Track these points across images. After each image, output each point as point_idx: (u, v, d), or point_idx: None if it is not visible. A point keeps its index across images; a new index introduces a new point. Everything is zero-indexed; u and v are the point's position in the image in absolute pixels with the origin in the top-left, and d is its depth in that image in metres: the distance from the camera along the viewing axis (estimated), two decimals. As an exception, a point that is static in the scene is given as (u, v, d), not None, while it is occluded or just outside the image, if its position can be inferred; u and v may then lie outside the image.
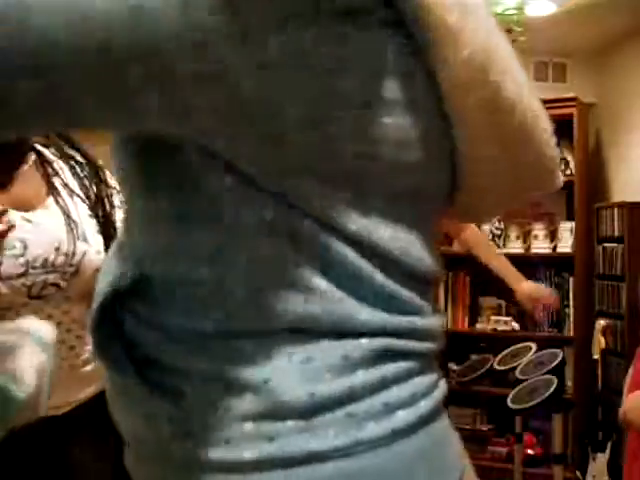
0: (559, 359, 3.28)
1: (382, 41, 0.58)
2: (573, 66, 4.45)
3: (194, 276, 0.59)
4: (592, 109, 4.47)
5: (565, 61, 4.44)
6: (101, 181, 1.85)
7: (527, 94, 0.72)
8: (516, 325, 4.36)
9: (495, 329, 4.38)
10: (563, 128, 4.21)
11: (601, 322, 3.79)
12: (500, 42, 0.70)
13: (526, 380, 3.21)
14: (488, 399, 4.26)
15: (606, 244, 3.91)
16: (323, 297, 0.58)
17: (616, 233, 3.83)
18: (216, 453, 0.58)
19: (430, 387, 0.65)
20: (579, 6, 3.62)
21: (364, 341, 0.60)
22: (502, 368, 3.48)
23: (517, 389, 3.18)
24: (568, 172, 4.24)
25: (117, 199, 1.89)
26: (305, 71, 0.53)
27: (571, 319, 4.21)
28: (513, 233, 4.45)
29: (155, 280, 0.61)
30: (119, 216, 1.84)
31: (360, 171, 0.59)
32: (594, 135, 4.51)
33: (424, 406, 0.63)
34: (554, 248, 4.31)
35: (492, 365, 3.55)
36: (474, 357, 4.07)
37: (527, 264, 4.40)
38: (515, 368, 3.36)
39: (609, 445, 3.53)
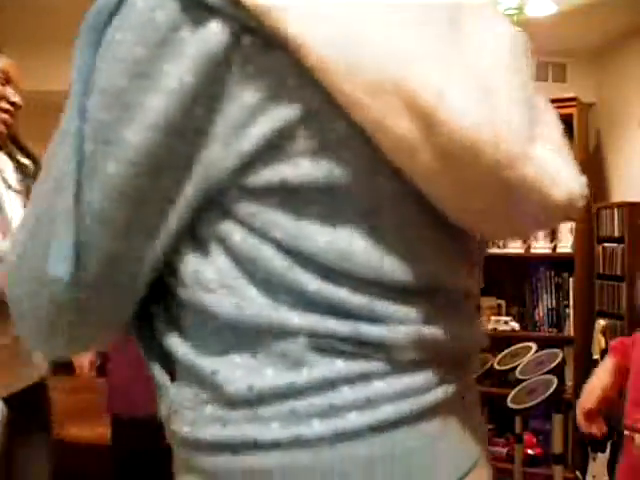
0: (559, 359, 3.28)
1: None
2: (573, 66, 4.46)
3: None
4: (592, 109, 4.47)
5: (565, 61, 4.44)
6: None
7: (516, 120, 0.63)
8: (516, 325, 4.36)
9: (495, 329, 4.38)
10: (563, 128, 4.21)
11: (601, 322, 3.79)
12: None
13: (526, 380, 3.21)
14: (488, 399, 4.25)
15: (606, 244, 3.91)
16: (254, 302, 0.64)
17: (616, 233, 3.83)
18: (185, 432, 0.66)
19: (402, 393, 0.64)
20: (579, 6, 3.62)
21: (302, 341, 0.63)
22: (502, 368, 3.47)
23: (517, 389, 3.18)
24: (568, 172, 4.24)
25: None
26: None
27: (571, 319, 4.21)
28: (513, 233, 4.45)
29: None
30: None
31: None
32: (594, 135, 4.51)
33: (386, 411, 0.63)
34: (554, 248, 4.31)
35: (492, 365, 3.55)
36: (474, 357, 4.07)
37: (527, 264, 4.41)
38: (515, 368, 3.36)
39: (609, 445, 3.53)
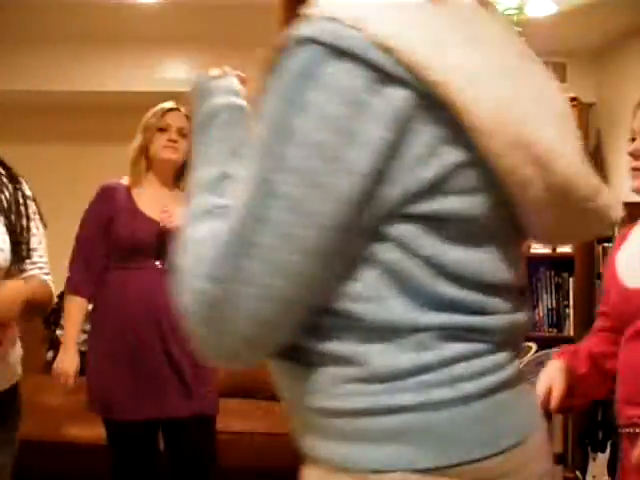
0: (559, 359, 3.28)
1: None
2: (573, 66, 4.46)
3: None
4: (592, 109, 4.47)
5: (565, 61, 4.44)
6: (16, 189, 2.04)
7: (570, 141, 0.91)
8: (516, 325, 4.36)
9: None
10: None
11: (601, 322, 3.78)
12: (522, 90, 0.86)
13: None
14: (488, 399, 4.26)
15: (606, 244, 3.91)
16: (398, 309, 0.82)
17: (616, 233, 3.83)
18: (331, 404, 0.84)
19: (498, 365, 0.87)
20: (579, 6, 3.62)
21: (432, 333, 0.83)
22: (502, 368, 3.47)
23: (517, 389, 3.18)
24: (568, 172, 4.24)
25: (31, 209, 2.07)
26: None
27: (571, 319, 4.21)
28: (513, 233, 4.45)
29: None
30: (34, 224, 2.03)
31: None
32: (594, 135, 4.51)
33: (488, 380, 0.85)
34: (554, 248, 4.31)
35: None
36: (474, 357, 4.07)
37: (527, 264, 4.40)
38: (515, 368, 3.35)
39: (609, 445, 3.53)
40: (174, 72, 4.40)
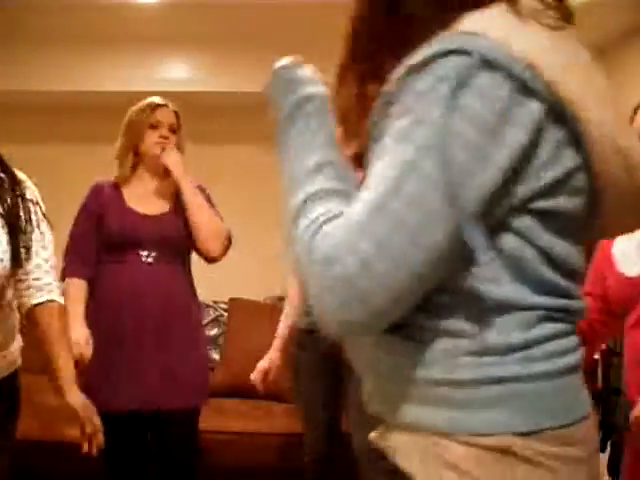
0: (559, 359, 3.28)
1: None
2: (573, 66, 4.46)
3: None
4: (592, 109, 4.47)
5: (565, 61, 4.44)
6: (14, 192, 2.05)
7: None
8: (516, 325, 4.36)
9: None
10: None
11: (601, 322, 3.78)
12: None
13: (526, 380, 3.20)
14: (488, 399, 4.25)
15: (606, 244, 3.91)
16: (511, 289, 0.96)
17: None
18: (447, 375, 0.96)
19: (576, 346, 1.02)
20: (579, 6, 3.62)
21: (536, 313, 0.97)
22: (502, 368, 3.47)
23: (517, 389, 3.17)
24: (568, 172, 4.24)
25: (34, 211, 2.06)
26: None
27: (571, 319, 4.21)
28: (513, 233, 4.45)
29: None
30: (38, 226, 2.04)
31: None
32: (594, 135, 4.51)
33: (572, 357, 1.01)
34: (554, 248, 4.31)
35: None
36: (474, 357, 4.07)
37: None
38: (515, 368, 3.35)
39: (609, 445, 3.53)
40: (174, 72, 4.41)
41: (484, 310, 0.95)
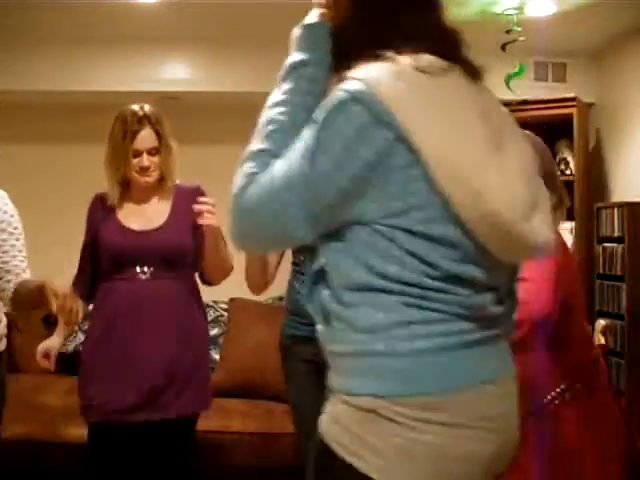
0: (559, 359, 3.28)
1: None
2: (573, 66, 4.46)
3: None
4: (592, 109, 4.47)
5: (565, 61, 4.44)
6: None
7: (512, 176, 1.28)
8: (516, 325, 4.36)
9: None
10: (563, 128, 4.21)
11: (601, 322, 3.79)
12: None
13: (526, 380, 3.20)
14: (488, 399, 4.25)
15: (606, 244, 3.91)
16: (380, 273, 1.25)
17: (616, 233, 3.83)
18: (339, 348, 1.29)
19: (448, 331, 1.24)
20: (579, 6, 3.62)
21: (403, 298, 1.23)
22: (502, 368, 3.47)
23: (517, 389, 3.18)
24: (568, 172, 4.23)
25: (10, 224, 2.38)
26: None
27: (571, 319, 4.20)
28: (513, 233, 4.44)
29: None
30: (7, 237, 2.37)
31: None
32: (594, 135, 4.51)
33: (437, 340, 1.23)
34: (554, 248, 4.30)
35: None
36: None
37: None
38: (515, 368, 3.35)
39: (609, 445, 3.52)
40: (174, 72, 4.40)
41: (356, 291, 1.25)
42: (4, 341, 2.45)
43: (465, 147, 1.23)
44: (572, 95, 4.17)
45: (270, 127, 1.31)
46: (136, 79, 4.30)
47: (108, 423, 2.54)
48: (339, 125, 1.22)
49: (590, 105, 4.44)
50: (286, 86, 1.33)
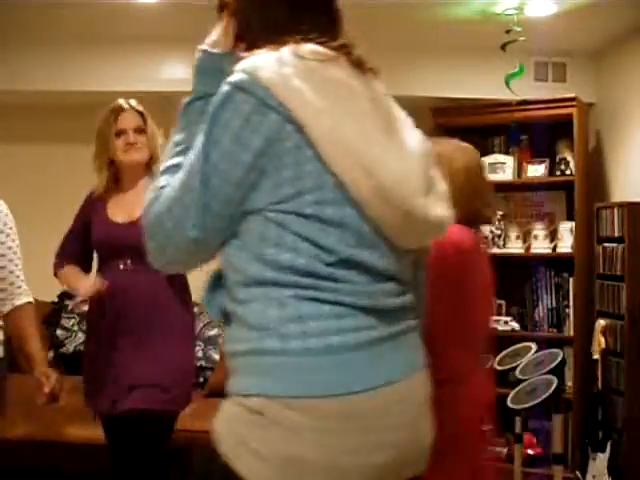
0: (559, 359, 3.28)
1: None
2: (573, 66, 4.46)
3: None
4: (592, 109, 4.47)
5: (565, 61, 4.44)
6: None
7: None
8: (516, 325, 4.36)
9: (495, 329, 4.37)
10: (563, 128, 4.21)
11: (601, 322, 3.79)
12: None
13: (526, 380, 3.21)
14: (488, 399, 4.25)
15: (606, 244, 3.91)
16: (270, 269, 1.24)
17: (616, 233, 3.83)
18: (231, 348, 1.27)
19: (347, 329, 1.20)
20: (579, 6, 3.62)
21: (295, 292, 1.21)
22: (502, 368, 3.47)
23: (517, 389, 3.18)
24: (568, 172, 4.23)
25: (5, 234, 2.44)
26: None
27: (571, 319, 4.21)
28: (513, 233, 4.45)
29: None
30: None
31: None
32: (594, 135, 4.51)
33: (334, 339, 1.18)
34: (554, 248, 4.31)
35: (492, 365, 3.55)
36: (474, 357, 4.07)
37: (527, 264, 4.40)
38: (515, 368, 3.36)
39: (609, 445, 3.53)
40: (174, 72, 4.40)
41: (250, 286, 1.22)
42: (0, 349, 2.50)
43: (354, 125, 1.22)
44: (572, 95, 4.17)
45: (178, 148, 1.32)
46: (136, 79, 4.30)
47: (109, 417, 2.58)
48: (226, 118, 1.22)
49: (590, 105, 4.44)
50: (184, 120, 1.36)
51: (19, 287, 2.51)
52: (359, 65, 1.33)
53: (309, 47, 1.27)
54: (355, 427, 1.18)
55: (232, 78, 1.25)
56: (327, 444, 1.16)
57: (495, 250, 4.40)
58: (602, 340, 3.72)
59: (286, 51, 1.25)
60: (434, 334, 1.87)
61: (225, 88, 1.24)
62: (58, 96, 4.42)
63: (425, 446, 1.30)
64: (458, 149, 2.10)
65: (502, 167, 4.45)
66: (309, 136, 1.20)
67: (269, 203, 1.21)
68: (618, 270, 3.77)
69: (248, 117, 1.21)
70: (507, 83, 3.91)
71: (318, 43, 1.29)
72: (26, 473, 3.46)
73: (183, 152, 1.30)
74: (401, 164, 1.25)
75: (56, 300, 4.55)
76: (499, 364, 3.51)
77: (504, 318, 4.39)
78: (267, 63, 1.24)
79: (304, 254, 1.20)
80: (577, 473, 3.80)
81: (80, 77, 4.31)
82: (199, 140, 1.25)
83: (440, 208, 1.30)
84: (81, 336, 4.10)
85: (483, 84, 4.28)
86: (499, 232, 4.42)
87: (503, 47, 3.77)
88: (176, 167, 1.29)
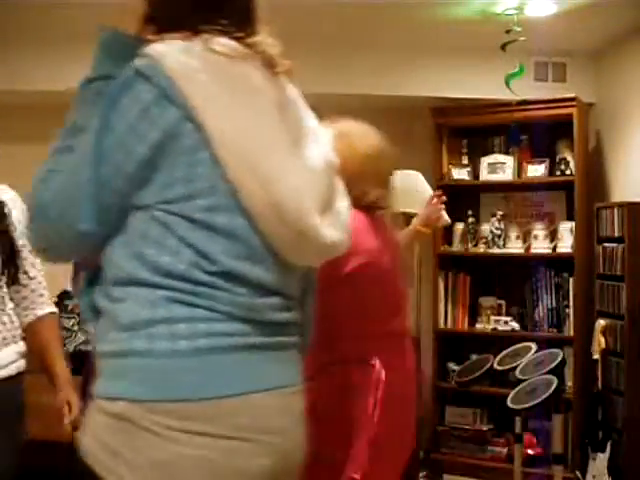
0: (559, 359, 3.28)
1: None
2: (573, 66, 4.45)
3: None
4: (592, 109, 4.47)
5: (565, 61, 4.44)
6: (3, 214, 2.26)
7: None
8: (516, 325, 4.36)
9: (495, 329, 4.38)
10: (563, 128, 4.21)
11: (601, 322, 3.79)
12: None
13: (526, 380, 3.21)
14: (488, 399, 4.25)
15: (606, 244, 3.91)
16: (144, 269, 1.18)
17: (616, 233, 3.83)
18: (99, 348, 1.20)
19: (218, 333, 1.15)
20: (579, 6, 3.62)
21: (165, 293, 1.15)
22: (502, 368, 3.47)
23: (517, 389, 3.18)
24: (568, 172, 4.23)
25: (20, 232, 2.23)
26: None
27: (571, 319, 4.20)
28: (513, 233, 4.45)
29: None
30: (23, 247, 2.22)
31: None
32: (594, 135, 4.51)
33: (203, 341, 1.14)
34: (554, 248, 4.31)
35: (492, 365, 3.55)
36: (474, 357, 4.07)
37: (527, 264, 4.40)
38: (515, 368, 3.36)
39: (609, 445, 3.53)
40: (174, 72, 4.40)
41: (126, 285, 1.16)
42: (22, 362, 2.26)
43: (256, 132, 1.18)
44: (572, 95, 4.17)
45: (71, 129, 1.26)
46: (136, 79, 4.30)
47: None
48: (124, 104, 1.16)
49: (590, 105, 4.44)
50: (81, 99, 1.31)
51: (41, 295, 2.31)
52: (272, 66, 1.27)
53: (222, 41, 1.21)
54: (228, 431, 1.13)
55: (136, 63, 1.18)
56: (197, 447, 1.12)
57: (495, 250, 4.40)
58: (602, 340, 3.72)
59: (197, 42, 1.20)
60: (336, 319, 1.91)
61: (128, 73, 1.18)
62: (58, 96, 4.41)
63: (297, 458, 1.26)
64: (360, 132, 2.10)
65: (502, 167, 4.45)
66: (208, 138, 1.15)
67: (157, 201, 1.16)
68: (618, 270, 3.76)
69: (147, 107, 1.15)
70: (507, 83, 3.91)
71: (234, 38, 1.23)
72: (26, 473, 3.45)
73: (75, 134, 1.23)
74: (299, 179, 1.20)
75: (56, 300, 4.55)
76: (499, 364, 3.51)
77: (504, 318, 4.39)
78: (175, 52, 1.18)
79: (185, 260, 1.14)
80: (577, 473, 3.80)
81: (80, 77, 4.30)
82: (94, 124, 1.18)
83: (335, 230, 1.25)
84: (81, 336, 4.10)
85: (483, 84, 4.28)
86: (499, 232, 4.42)
87: (503, 47, 3.77)
88: (68, 149, 1.22)
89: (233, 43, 1.22)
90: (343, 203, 1.32)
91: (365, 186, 2.03)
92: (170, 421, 1.10)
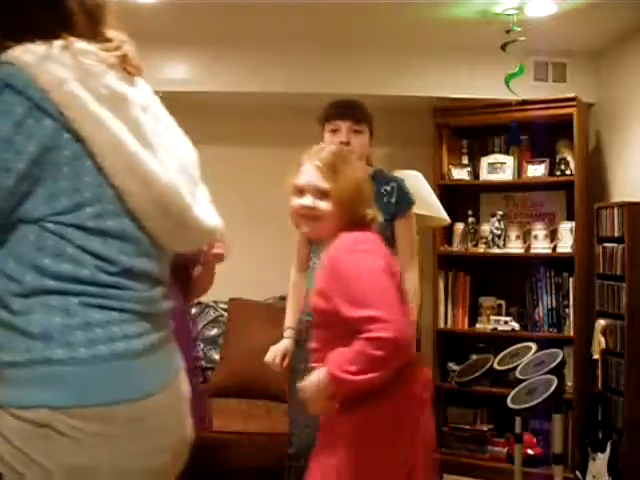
0: (559, 359, 3.28)
1: None
2: (573, 66, 4.45)
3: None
4: (592, 109, 4.47)
5: (565, 61, 4.44)
6: None
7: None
8: (516, 325, 4.36)
9: (495, 329, 4.38)
10: (563, 128, 4.21)
11: (601, 322, 3.78)
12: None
13: (526, 380, 3.21)
14: (488, 399, 4.25)
15: (606, 244, 3.91)
16: (54, 276, 1.20)
17: (616, 233, 3.83)
18: (6, 357, 1.17)
19: (134, 334, 1.21)
20: (579, 6, 3.62)
21: (79, 299, 1.19)
22: (502, 368, 3.47)
23: (517, 389, 3.18)
24: (568, 172, 4.23)
25: None
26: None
27: (571, 319, 4.20)
28: (513, 233, 4.45)
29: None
30: None
31: None
32: (594, 135, 4.51)
33: (121, 344, 1.18)
34: (554, 248, 4.31)
35: (492, 365, 3.55)
36: (474, 357, 4.07)
37: (527, 264, 4.40)
38: (515, 368, 3.36)
39: (609, 445, 3.53)
40: (174, 72, 4.40)
41: (28, 296, 1.16)
42: None
43: (130, 135, 1.22)
44: (572, 95, 4.17)
45: None
46: (136, 79, 4.30)
47: None
48: None
49: (590, 105, 4.44)
50: None
51: None
52: (129, 67, 1.33)
53: (85, 47, 1.23)
54: (141, 431, 1.19)
55: (1, 72, 1.16)
56: (112, 451, 1.16)
57: (495, 250, 4.40)
58: (602, 340, 3.71)
59: (58, 47, 1.20)
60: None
61: None
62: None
63: (188, 442, 1.35)
64: (353, 158, 2.19)
65: (502, 167, 4.45)
66: (88, 147, 1.18)
67: (47, 214, 1.17)
68: (618, 270, 3.76)
69: (21, 121, 1.15)
70: (507, 83, 3.91)
71: (93, 43, 1.26)
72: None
73: None
74: (172, 174, 1.27)
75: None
76: (499, 364, 3.51)
77: (504, 318, 4.39)
78: (41, 60, 1.17)
79: (87, 265, 1.18)
80: (577, 473, 3.79)
81: None
82: None
83: (210, 215, 1.36)
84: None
85: (483, 84, 4.28)
86: (499, 232, 4.42)
87: (503, 47, 3.77)
88: None
89: (92, 47, 1.25)
90: (202, 191, 1.39)
91: (368, 206, 2.12)
92: (88, 426, 1.14)
